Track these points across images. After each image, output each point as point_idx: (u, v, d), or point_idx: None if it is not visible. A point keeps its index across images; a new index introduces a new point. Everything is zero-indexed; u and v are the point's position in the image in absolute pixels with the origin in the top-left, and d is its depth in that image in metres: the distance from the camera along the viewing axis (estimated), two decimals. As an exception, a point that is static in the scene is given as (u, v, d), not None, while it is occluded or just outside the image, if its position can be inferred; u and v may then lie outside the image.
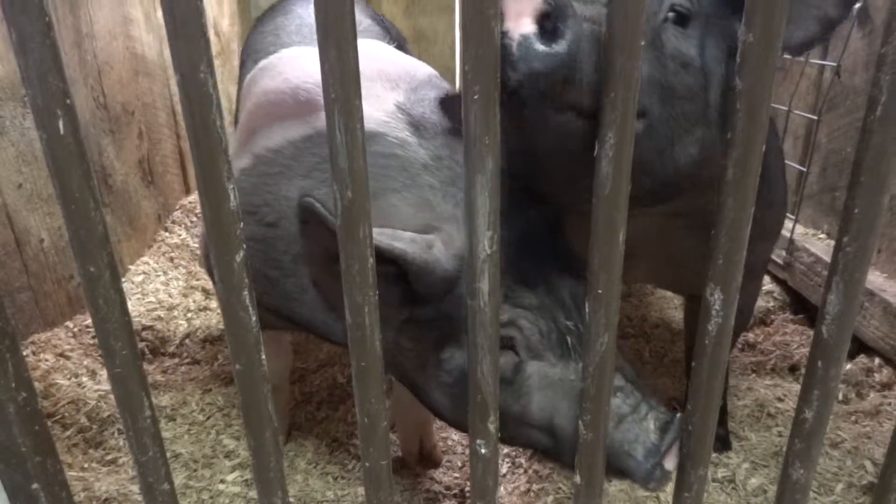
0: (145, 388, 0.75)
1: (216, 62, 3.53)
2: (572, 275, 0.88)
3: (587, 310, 0.73)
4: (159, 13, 2.36)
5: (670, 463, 0.83)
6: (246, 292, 0.70)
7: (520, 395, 0.86)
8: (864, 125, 0.69)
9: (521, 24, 0.68)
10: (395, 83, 1.12)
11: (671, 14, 0.86)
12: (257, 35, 1.74)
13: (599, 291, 0.71)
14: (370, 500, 0.82)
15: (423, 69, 1.27)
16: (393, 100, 1.07)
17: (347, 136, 0.63)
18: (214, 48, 3.19)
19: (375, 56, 1.26)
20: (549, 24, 0.68)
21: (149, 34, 2.34)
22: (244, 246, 0.69)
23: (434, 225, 0.89)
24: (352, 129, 0.63)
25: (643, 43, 0.62)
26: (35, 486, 0.78)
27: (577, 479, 0.82)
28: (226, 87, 3.34)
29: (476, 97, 0.62)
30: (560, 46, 0.68)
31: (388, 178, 0.94)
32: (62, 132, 0.62)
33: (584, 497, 0.82)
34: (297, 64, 1.26)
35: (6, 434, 0.75)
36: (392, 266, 0.81)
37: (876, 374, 1.59)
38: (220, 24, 3.30)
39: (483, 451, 0.79)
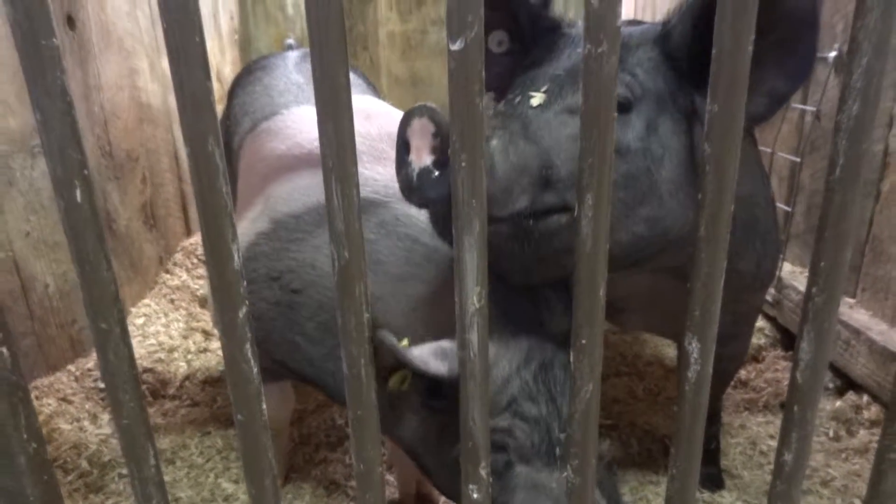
0: (151, 438, 0.79)
1: (218, 108, 3.65)
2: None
3: (572, 359, 0.77)
4: (164, 62, 2.45)
5: None
6: (248, 346, 0.74)
7: (506, 491, 0.91)
8: (826, 185, 0.74)
9: (421, 157, 0.79)
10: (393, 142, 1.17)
11: None
12: (247, 94, 1.74)
13: (583, 342, 0.75)
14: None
15: None
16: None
17: (344, 201, 0.68)
18: (217, 94, 3.27)
19: (376, 113, 1.32)
20: (442, 158, 0.77)
21: (153, 83, 2.42)
22: (246, 302, 0.73)
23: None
24: (348, 195, 0.68)
25: (576, 137, 0.69)
26: (43, 536, 0.80)
27: (568, 522, 0.85)
28: (227, 130, 3.43)
29: (463, 164, 0.67)
30: (448, 176, 0.76)
31: (414, 265, 1.00)
32: (79, 200, 0.67)
33: (574, 541, 0.85)
34: (303, 127, 1.31)
35: (16, 484, 0.78)
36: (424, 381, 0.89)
37: (864, 412, 1.61)
38: (223, 71, 3.41)
39: (475, 495, 0.81)
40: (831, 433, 1.60)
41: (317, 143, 1.21)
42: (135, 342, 2.03)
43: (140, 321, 2.15)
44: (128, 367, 0.75)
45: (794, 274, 1.98)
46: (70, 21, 1.88)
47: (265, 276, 1.10)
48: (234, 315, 0.72)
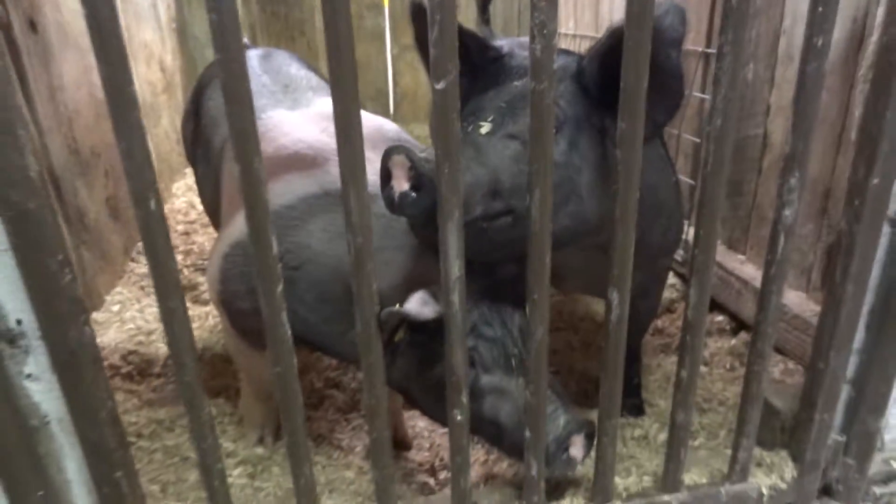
0: (204, 392, 1.00)
1: (163, 97, 3.70)
2: (524, 315, 1.21)
3: (527, 309, 1.04)
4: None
5: (576, 451, 1.18)
6: (284, 314, 0.97)
7: (476, 398, 1.18)
8: (701, 176, 1.03)
9: (401, 183, 1.05)
10: (374, 143, 1.38)
11: None
12: (214, 101, 1.82)
13: (535, 297, 1.02)
14: (375, 463, 1.10)
15: (387, 125, 1.55)
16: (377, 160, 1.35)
17: (357, 202, 0.91)
18: (160, 84, 3.34)
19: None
20: (416, 184, 1.04)
21: (108, 79, 2.50)
22: (282, 280, 0.95)
23: (425, 278, 1.19)
24: (360, 197, 0.91)
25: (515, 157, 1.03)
26: (118, 474, 1.01)
27: (527, 433, 1.13)
28: (172, 119, 3.50)
29: (446, 171, 0.92)
30: (422, 199, 1.03)
31: (388, 237, 1.25)
32: (153, 209, 0.87)
33: (532, 446, 1.13)
34: (285, 130, 1.51)
35: (98, 434, 0.98)
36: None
37: (753, 346, 1.98)
38: (165, 59, 3.45)
39: (458, 417, 1.08)
40: (728, 366, 1.97)
41: (300, 145, 1.43)
42: (114, 328, 2.18)
43: (116, 308, 2.28)
44: (188, 336, 0.96)
45: (698, 237, 2.34)
46: (32, 25, 1.96)
47: None
48: (273, 290, 0.95)
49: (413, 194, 1.04)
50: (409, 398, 1.31)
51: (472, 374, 1.17)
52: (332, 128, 1.43)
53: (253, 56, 1.96)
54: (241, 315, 1.40)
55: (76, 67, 2.24)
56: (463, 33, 1.20)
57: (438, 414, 1.22)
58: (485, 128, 1.17)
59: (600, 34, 1.23)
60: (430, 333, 1.12)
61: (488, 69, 1.28)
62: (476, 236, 1.06)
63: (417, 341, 1.18)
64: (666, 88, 1.12)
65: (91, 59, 2.34)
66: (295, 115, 1.60)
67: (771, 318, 1.15)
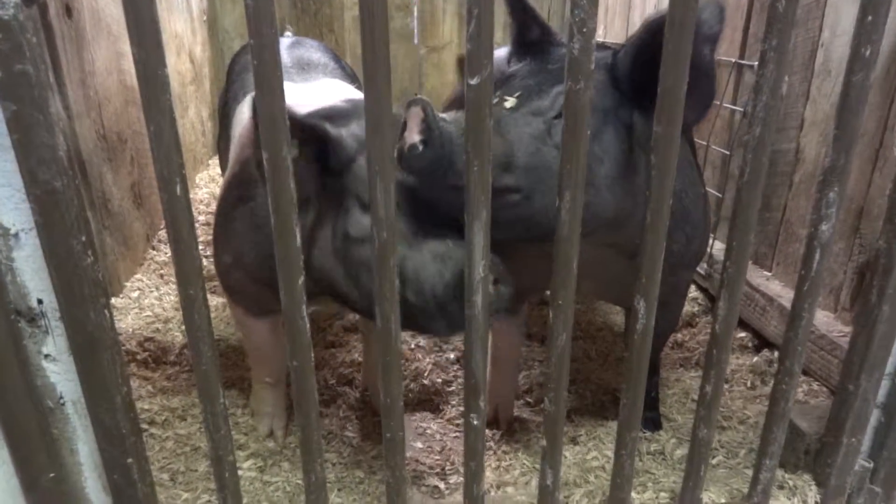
0: (220, 382, 0.99)
1: (191, 88, 3.73)
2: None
3: (551, 314, 1.01)
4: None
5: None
6: (304, 307, 0.95)
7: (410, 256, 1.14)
8: (737, 187, 1.00)
9: (412, 135, 1.03)
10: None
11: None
12: (247, 72, 1.96)
13: (560, 302, 1.00)
14: (388, 464, 1.08)
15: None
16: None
17: (384, 195, 0.89)
18: (189, 75, 3.36)
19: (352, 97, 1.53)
20: (426, 137, 1.03)
21: (138, 67, 2.52)
22: (303, 272, 0.94)
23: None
24: (387, 190, 0.89)
25: (535, 135, 0.99)
26: (129, 460, 1.00)
27: (543, 442, 1.10)
28: (199, 110, 3.52)
29: (475, 168, 0.90)
30: (428, 152, 1.03)
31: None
32: (178, 194, 0.86)
33: (549, 455, 1.10)
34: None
35: (112, 419, 0.97)
36: (314, 145, 1.13)
37: (776, 365, 1.94)
38: (194, 51, 3.48)
39: (475, 422, 1.06)
40: (749, 384, 1.92)
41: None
42: (132, 314, 2.19)
43: (135, 294, 2.29)
44: (206, 325, 0.95)
45: (723, 251, 2.29)
46: (68, 10, 1.98)
47: (237, 200, 1.42)
48: (294, 281, 0.93)
49: (420, 147, 1.02)
50: (344, 302, 1.27)
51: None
52: (314, 94, 1.56)
53: (283, 42, 2.07)
54: (228, 275, 1.47)
55: (107, 54, 2.26)
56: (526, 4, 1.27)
57: (368, 310, 1.12)
58: (510, 102, 1.17)
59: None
60: (339, 180, 1.14)
61: (532, 45, 1.29)
62: (444, 197, 1.05)
63: (329, 187, 1.18)
64: (698, 86, 1.09)
65: (122, 47, 2.38)
66: (291, 85, 1.67)
67: (801, 336, 1.11)
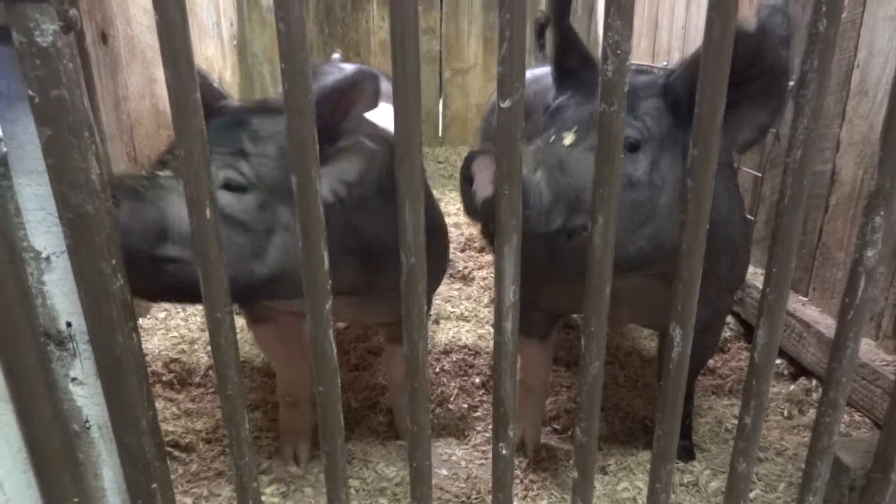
0: (245, 407, 0.98)
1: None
2: None
3: (582, 341, 0.98)
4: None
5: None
6: (331, 332, 0.94)
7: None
8: (777, 210, 0.97)
9: (484, 188, 1.05)
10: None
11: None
12: None
13: (592, 329, 0.97)
14: (414, 494, 1.05)
15: None
16: None
17: (413, 217, 0.88)
18: (219, 98, 3.42)
19: None
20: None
21: (169, 91, 2.57)
22: (331, 298, 0.92)
23: None
24: (416, 213, 0.88)
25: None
26: (154, 485, 0.99)
27: (575, 474, 1.06)
28: (227, 133, 3.58)
29: (506, 192, 0.88)
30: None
31: None
32: (208, 217, 0.86)
33: (580, 488, 1.06)
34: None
35: (137, 443, 0.96)
36: None
37: (814, 394, 1.87)
38: (224, 75, 3.55)
39: (504, 452, 1.02)
40: (786, 413, 1.85)
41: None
42: (158, 335, 2.20)
43: (161, 315, 2.30)
44: (233, 350, 0.94)
45: (755, 275, 2.23)
46: (103, 37, 2.03)
47: None
48: (321, 307, 0.92)
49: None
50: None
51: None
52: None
53: (336, 64, 2.15)
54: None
55: (141, 79, 2.31)
56: (569, 31, 1.26)
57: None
58: (568, 139, 1.16)
59: (656, 63, 1.21)
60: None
61: (579, 74, 1.28)
62: (547, 251, 1.02)
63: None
64: (773, 89, 1.09)
65: (155, 72, 2.43)
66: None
67: (846, 366, 1.06)
